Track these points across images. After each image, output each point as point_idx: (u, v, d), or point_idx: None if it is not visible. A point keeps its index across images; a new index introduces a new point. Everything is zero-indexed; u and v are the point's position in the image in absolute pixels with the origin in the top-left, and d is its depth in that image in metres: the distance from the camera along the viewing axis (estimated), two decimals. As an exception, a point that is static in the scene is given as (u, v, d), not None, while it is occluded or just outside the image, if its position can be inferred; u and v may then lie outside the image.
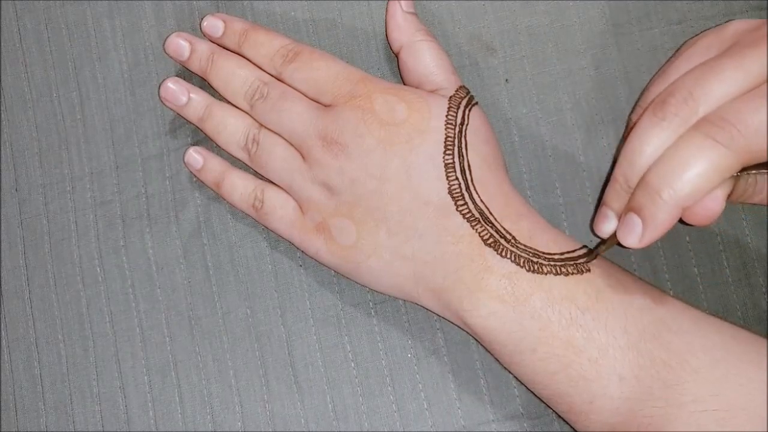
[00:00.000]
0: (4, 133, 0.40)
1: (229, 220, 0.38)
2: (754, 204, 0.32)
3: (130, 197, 0.39)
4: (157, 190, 0.39)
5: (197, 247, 0.38)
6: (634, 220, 0.29)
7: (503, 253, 0.32)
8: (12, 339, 0.38)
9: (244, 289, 0.37)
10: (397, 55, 0.37)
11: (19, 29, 0.41)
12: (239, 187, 0.37)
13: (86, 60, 0.40)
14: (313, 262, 0.37)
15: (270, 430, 0.36)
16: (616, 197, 0.30)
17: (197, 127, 0.38)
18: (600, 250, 0.32)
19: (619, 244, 0.29)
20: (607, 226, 0.31)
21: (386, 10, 0.37)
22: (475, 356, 0.35)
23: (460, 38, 0.38)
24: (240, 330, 0.37)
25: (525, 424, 0.35)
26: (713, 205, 0.28)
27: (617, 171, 0.30)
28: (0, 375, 0.38)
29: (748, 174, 0.28)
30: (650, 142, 0.28)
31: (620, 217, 0.30)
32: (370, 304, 0.36)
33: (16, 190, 0.40)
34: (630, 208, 0.29)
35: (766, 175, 0.29)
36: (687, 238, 0.35)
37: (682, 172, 0.27)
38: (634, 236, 0.29)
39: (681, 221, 0.28)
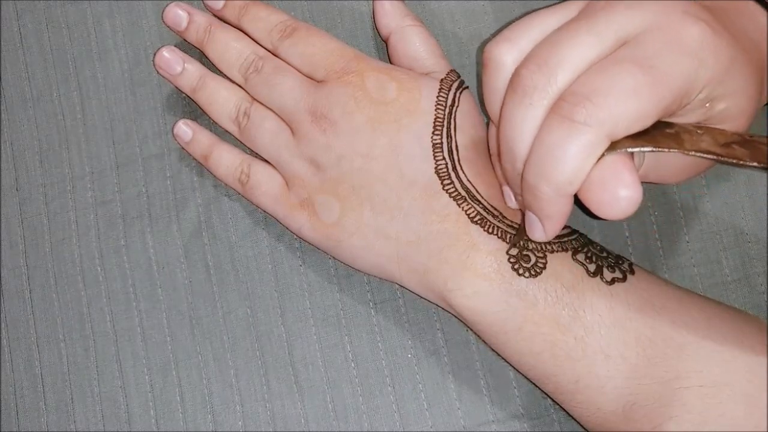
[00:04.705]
0: (5, 133, 0.40)
1: (230, 220, 0.38)
2: (654, 182, 0.31)
3: (130, 197, 0.39)
4: (157, 190, 0.39)
5: (198, 247, 0.38)
6: (531, 216, 0.28)
7: (490, 230, 0.32)
8: (13, 339, 0.38)
9: (245, 289, 0.37)
10: (386, 42, 0.37)
11: (19, 29, 0.41)
12: (226, 160, 0.37)
13: (86, 59, 0.40)
14: (313, 262, 0.37)
15: (270, 429, 0.36)
16: (512, 183, 0.29)
17: (190, 97, 0.38)
18: (515, 240, 0.31)
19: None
20: (510, 203, 0.32)
21: None
22: (475, 356, 0.35)
23: (460, 38, 0.38)
24: (240, 330, 0.37)
25: (525, 425, 0.35)
26: (610, 195, 0.25)
27: (503, 159, 0.28)
28: (0, 375, 0.38)
29: (625, 150, 0.25)
30: (521, 126, 0.26)
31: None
32: (371, 304, 0.36)
33: (17, 189, 0.40)
34: (525, 206, 0.28)
35: (651, 151, 0.26)
36: (687, 238, 0.35)
37: (550, 163, 0.25)
38: (538, 232, 0.28)
39: (591, 215, 0.26)
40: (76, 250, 0.39)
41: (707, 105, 0.27)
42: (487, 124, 0.33)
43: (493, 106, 0.29)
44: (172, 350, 0.37)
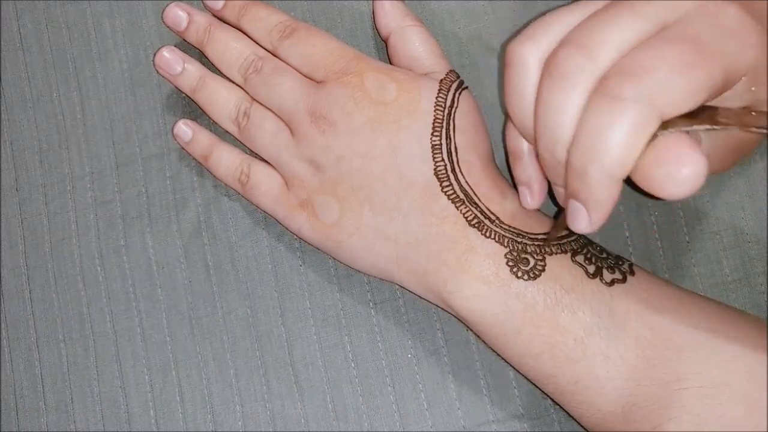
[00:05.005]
0: (5, 133, 0.40)
1: (230, 220, 0.38)
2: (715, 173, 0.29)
3: (130, 197, 0.39)
4: (157, 190, 0.39)
5: (198, 247, 0.38)
6: (576, 205, 0.26)
7: (487, 233, 0.32)
8: (12, 339, 0.38)
9: (245, 289, 0.37)
10: (385, 42, 0.37)
11: (19, 29, 0.41)
12: (226, 160, 0.37)
13: (86, 60, 0.40)
14: (313, 262, 0.37)
15: (270, 429, 0.36)
16: (552, 173, 0.28)
17: (190, 97, 0.38)
18: (551, 236, 0.31)
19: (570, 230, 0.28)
20: (526, 203, 0.32)
21: None
22: (475, 356, 0.35)
23: (460, 38, 0.38)
24: (240, 330, 0.37)
25: (525, 425, 0.35)
26: (672, 173, 0.24)
27: (541, 149, 0.27)
28: (0, 375, 0.38)
29: (678, 130, 0.24)
30: (563, 111, 0.25)
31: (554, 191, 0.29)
32: (370, 304, 0.36)
33: (17, 189, 0.40)
34: (569, 194, 0.27)
35: (706, 130, 0.25)
36: (687, 238, 0.35)
37: (600, 144, 0.24)
38: (583, 221, 0.26)
39: (652, 196, 0.25)
40: (76, 250, 0.39)
41: (753, 89, 0.26)
42: (503, 125, 0.33)
43: (517, 106, 0.28)
44: (172, 350, 0.37)
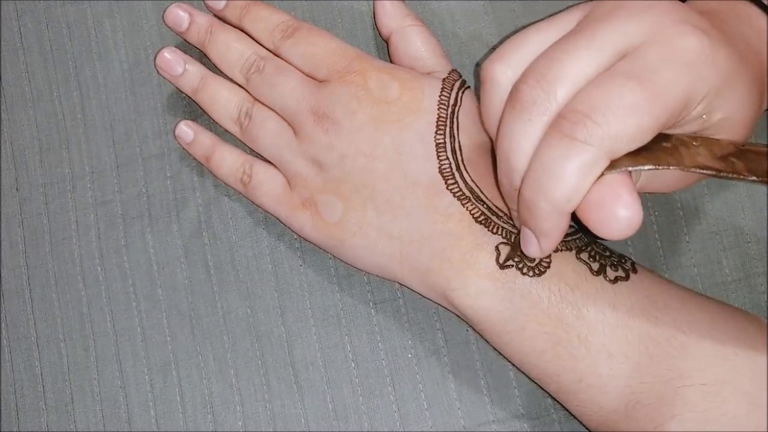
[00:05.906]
0: (5, 133, 0.40)
1: (230, 220, 0.38)
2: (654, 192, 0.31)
3: (130, 196, 0.39)
4: (158, 190, 0.39)
5: (198, 247, 0.38)
6: (527, 233, 0.28)
7: (494, 230, 0.32)
8: (13, 338, 0.38)
9: (245, 289, 0.37)
10: (387, 42, 0.37)
11: (19, 29, 0.41)
12: (228, 161, 0.37)
13: (87, 59, 0.40)
14: (313, 262, 0.37)
15: (270, 429, 0.36)
16: (508, 198, 0.29)
17: (191, 98, 0.38)
18: (510, 255, 0.31)
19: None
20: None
21: None
22: (475, 356, 0.35)
23: (460, 38, 0.38)
24: (240, 329, 0.37)
25: (525, 425, 0.35)
26: (609, 215, 0.25)
27: (499, 174, 0.28)
28: (0, 374, 0.38)
29: (625, 170, 0.25)
30: (519, 142, 0.26)
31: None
32: (371, 304, 0.36)
33: (17, 189, 0.40)
34: (521, 221, 0.28)
35: (650, 170, 0.26)
36: (687, 238, 0.35)
37: (549, 180, 0.25)
38: (533, 248, 0.28)
39: (594, 235, 0.26)
40: (76, 250, 0.39)
41: (704, 117, 0.26)
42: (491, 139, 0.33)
43: (491, 125, 0.29)
44: (172, 350, 0.37)
